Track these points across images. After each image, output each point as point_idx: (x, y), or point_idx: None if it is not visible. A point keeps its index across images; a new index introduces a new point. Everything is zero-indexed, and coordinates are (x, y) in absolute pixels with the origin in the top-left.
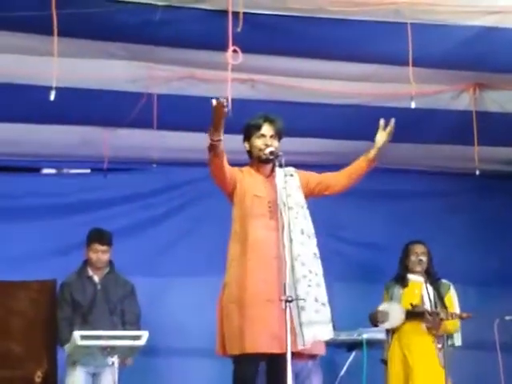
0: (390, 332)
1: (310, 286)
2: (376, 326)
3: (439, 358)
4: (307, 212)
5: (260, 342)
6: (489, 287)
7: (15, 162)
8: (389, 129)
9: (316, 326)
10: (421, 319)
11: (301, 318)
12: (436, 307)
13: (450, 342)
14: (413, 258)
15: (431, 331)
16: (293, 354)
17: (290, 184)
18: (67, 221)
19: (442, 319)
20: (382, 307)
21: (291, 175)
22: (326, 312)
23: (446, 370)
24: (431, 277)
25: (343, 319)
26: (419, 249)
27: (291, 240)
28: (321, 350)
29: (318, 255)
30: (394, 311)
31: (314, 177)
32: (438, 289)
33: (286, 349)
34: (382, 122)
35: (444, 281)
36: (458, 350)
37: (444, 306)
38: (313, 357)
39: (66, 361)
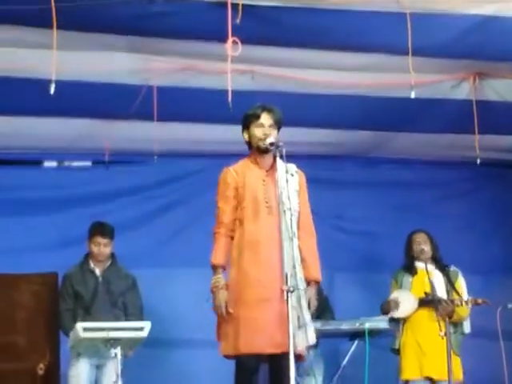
0: (402, 321)
1: (304, 288)
2: (387, 314)
3: (453, 346)
4: (298, 217)
5: (255, 343)
6: (491, 275)
7: (16, 155)
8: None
9: (310, 329)
10: (434, 307)
11: (300, 318)
12: (448, 294)
13: (459, 330)
14: (414, 247)
15: (444, 318)
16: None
17: (290, 184)
18: (69, 214)
19: (457, 305)
20: (393, 296)
21: (292, 175)
22: (309, 316)
23: (452, 357)
24: (439, 263)
25: (345, 309)
26: (420, 237)
27: (291, 239)
28: (303, 351)
29: None
30: (405, 299)
31: (302, 202)
32: (448, 276)
33: (287, 347)
34: None
35: (453, 268)
36: (466, 337)
37: (456, 293)
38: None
39: (69, 353)
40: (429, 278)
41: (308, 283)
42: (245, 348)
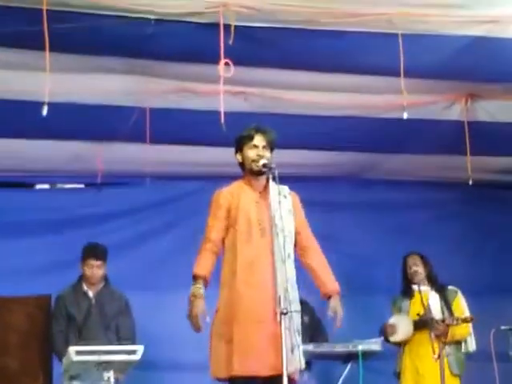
0: (402, 344)
1: (297, 310)
2: (387, 340)
3: (450, 366)
4: (293, 238)
5: (248, 365)
6: (483, 296)
7: (8, 177)
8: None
9: (298, 353)
10: (428, 328)
11: (292, 340)
12: (444, 315)
13: (463, 349)
14: (408, 270)
15: (437, 340)
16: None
17: (283, 205)
18: (62, 236)
19: (448, 325)
20: (391, 321)
21: (285, 196)
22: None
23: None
24: (435, 284)
25: (338, 331)
26: (412, 260)
27: (284, 261)
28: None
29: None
30: (402, 324)
31: (301, 223)
32: (445, 295)
33: (280, 369)
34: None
35: (450, 287)
36: (469, 356)
37: (451, 313)
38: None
39: (62, 376)
40: (422, 300)
41: (329, 297)
42: (239, 370)
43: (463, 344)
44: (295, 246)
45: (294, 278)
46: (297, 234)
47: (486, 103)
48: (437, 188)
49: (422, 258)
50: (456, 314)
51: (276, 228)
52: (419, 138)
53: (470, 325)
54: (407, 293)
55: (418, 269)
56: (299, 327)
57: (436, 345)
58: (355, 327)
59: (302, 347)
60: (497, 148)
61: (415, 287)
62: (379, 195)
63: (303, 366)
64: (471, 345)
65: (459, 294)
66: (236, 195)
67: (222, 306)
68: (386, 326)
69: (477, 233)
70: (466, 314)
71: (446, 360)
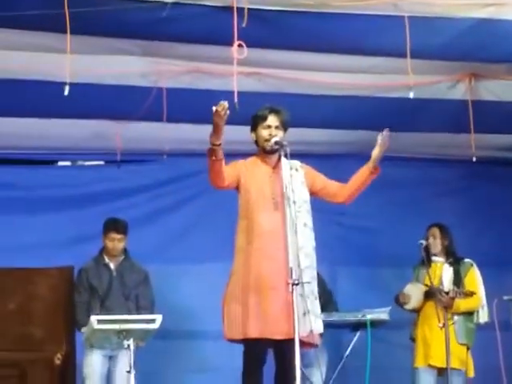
0: (417, 312)
1: (311, 277)
2: (402, 307)
3: (455, 335)
4: (309, 206)
5: (263, 328)
6: (485, 269)
7: (32, 155)
8: (380, 141)
9: (312, 317)
10: (435, 299)
11: (306, 306)
12: (455, 287)
13: (475, 320)
14: (419, 242)
15: (442, 310)
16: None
17: (295, 178)
18: (82, 211)
19: (452, 298)
20: (405, 289)
21: (296, 170)
22: (318, 306)
23: (457, 346)
24: (451, 257)
25: (347, 301)
26: (430, 232)
27: (296, 232)
28: (318, 340)
29: (315, 249)
30: (415, 292)
31: (320, 179)
32: (459, 269)
33: (292, 334)
34: (379, 138)
35: (466, 260)
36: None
37: (460, 286)
38: (312, 346)
39: (83, 344)
40: (435, 271)
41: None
42: (253, 333)
43: (475, 315)
44: (330, 198)
45: (310, 247)
46: (322, 190)
47: (489, 83)
48: (441, 165)
49: (442, 230)
50: (467, 287)
51: (288, 200)
52: (425, 117)
53: (483, 297)
54: (425, 263)
55: (434, 240)
56: (315, 293)
57: (441, 314)
58: (363, 297)
59: (319, 311)
60: (500, 126)
61: (435, 258)
62: (385, 171)
63: (320, 329)
64: (482, 316)
65: (474, 267)
66: (250, 168)
67: (238, 271)
68: (399, 294)
69: (479, 208)
70: (478, 286)
71: (451, 328)
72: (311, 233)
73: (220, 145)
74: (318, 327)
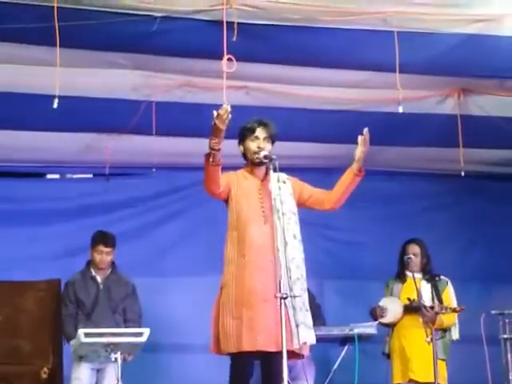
0: (391, 326)
1: (301, 289)
2: (376, 320)
3: (439, 350)
4: (298, 218)
5: (257, 341)
6: (474, 283)
7: (20, 167)
8: (361, 139)
9: (305, 329)
10: (418, 313)
11: (296, 318)
12: (433, 302)
13: (447, 337)
14: (405, 257)
15: (428, 325)
16: (286, 352)
17: (284, 190)
18: (71, 224)
19: (437, 313)
20: (382, 302)
21: (284, 182)
22: (310, 317)
23: (437, 361)
24: (427, 274)
25: (335, 315)
26: (410, 249)
27: (286, 244)
28: (307, 351)
29: (304, 260)
30: (392, 306)
31: (307, 188)
32: (436, 285)
33: (282, 346)
34: (360, 138)
35: (442, 277)
36: (453, 343)
37: (440, 301)
38: (300, 357)
39: (71, 357)
40: (416, 286)
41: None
42: (248, 346)
43: (448, 332)
44: (318, 206)
45: (300, 259)
46: (310, 198)
47: (478, 98)
48: (430, 179)
49: (422, 247)
50: (445, 303)
51: (278, 212)
52: (414, 131)
53: (456, 315)
54: (401, 277)
55: (414, 257)
56: (306, 304)
57: (429, 329)
58: (350, 311)
59: (311, 322)
60: (488, 141)
61: (409, 273)
62: (373, 185)
63: (313, 340)
64: (455, 334)
65: (449, 285)
66: (240, 179)
67: (230, 283)
68: (376, 307)
69: (468, 222)
70: (453, 304)
71: (432, 344)
72: (300, 244)
73: (219, 150)
74: (311, 338)
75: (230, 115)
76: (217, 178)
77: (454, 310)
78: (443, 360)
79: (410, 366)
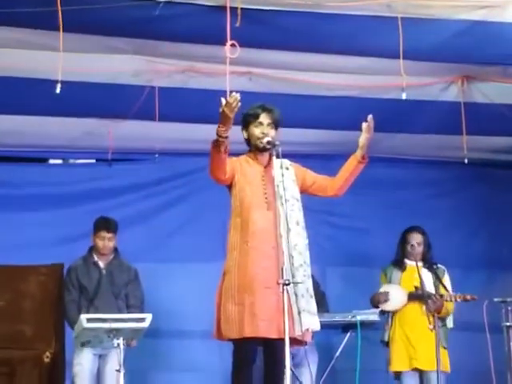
0: (391, 314)
1: (304, 275)
2: (377, 307)
3: (440, 339)
4: (301, 204)
5: (259, 327)
6: (477, 270)
7: (23, 152)
8: (365, 126)
9: (308, 315)
10: (423, 301)
11: (298, 305)
12: (436, 290)
13: (442, 324)
14: (407, 246)
15: (432, 313)
16: (289, 339)
17: (287, 177)
18: (73, 209)
19: (446, 301)
20: (384, 289)
21: (287, 168)
22: (314, 304)
23: (440, 350)
24: (427, 262)
25: (337, 302)
26: (413, 238)
27: (289, 230)
28: (309, 338)
29: (308, 247)
30: (395, 293)
31: (310, 175)
32: (436, 273)
33: (284, 333)
34: (364, 125)
35: (439, 265)
36: (450, 331)
37: (445, 289)
38: (302, 344)
39: (73, 342)
40: (419, 274)
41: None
42: (250, 332)
43: (445, 320)
44: (321, 193)
45: (303, 245)
46: (313, 185)
47: (482, 85)
48: (433, 166)
49: (424, 235)
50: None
51: (281, 199)
52: (417, 118)
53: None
54: (400, 265)
55: (417, 246)
56: (311, 291)
57: (432, 317)
58: (353, 298)
59: (315, 309)
60: (492, 128)
61: (408, 262)
62: (377, 172)
63: (317, 326)
64: (449, 322)
65: (446, 273)
66: (243, 165)
67: (233, 269)
68: (378, 293)
69: (471, 209)
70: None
71: (435, 332)
72: (303, 231)
73: (227, 137)
74: (315, 325)
75: (239, 103)
76: (224, 165)
77: (464, 299)
78: (445, 348)
79: (414, 355)
